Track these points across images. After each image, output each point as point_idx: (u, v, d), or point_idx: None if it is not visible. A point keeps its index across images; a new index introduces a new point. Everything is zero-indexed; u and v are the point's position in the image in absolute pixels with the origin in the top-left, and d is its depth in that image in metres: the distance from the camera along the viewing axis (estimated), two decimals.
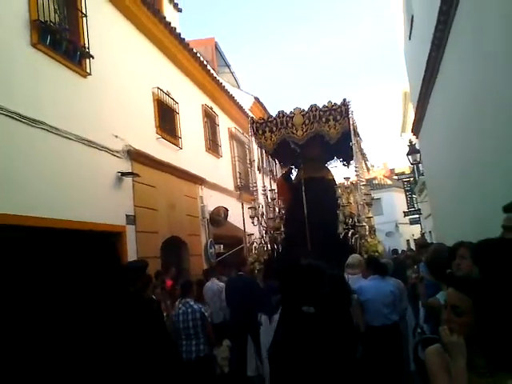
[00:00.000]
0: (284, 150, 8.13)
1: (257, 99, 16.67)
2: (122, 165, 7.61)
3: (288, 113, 7.65)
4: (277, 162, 9.41)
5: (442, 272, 3.31)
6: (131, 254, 7.42)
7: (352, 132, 7.27)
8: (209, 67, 12.10)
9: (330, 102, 7.47)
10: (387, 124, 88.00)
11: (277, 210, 8.45)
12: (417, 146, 14.04)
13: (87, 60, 6.98)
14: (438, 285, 3.55)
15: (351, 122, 7.26)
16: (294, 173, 9.18)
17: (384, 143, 77.15)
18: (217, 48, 16.49)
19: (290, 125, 7.52)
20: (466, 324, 1.79)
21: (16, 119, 5.39)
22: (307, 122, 7.40)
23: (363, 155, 8.41)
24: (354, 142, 7.34)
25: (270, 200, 8.40)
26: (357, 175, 7.59)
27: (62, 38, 6.49)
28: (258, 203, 8.11)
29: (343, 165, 9.44)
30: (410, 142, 14.59)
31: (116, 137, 7.48)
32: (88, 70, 6.96)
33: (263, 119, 8.04)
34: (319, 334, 2.12)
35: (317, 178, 8.01)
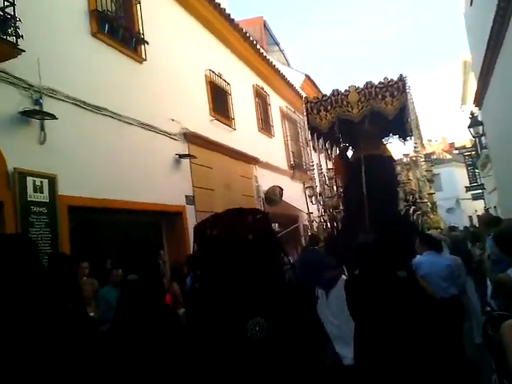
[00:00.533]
0: (339, 128, 8.00)
1: (307, 77, 16.41)
2: (179, 147, 7.83)
3: (343, 91, 7.50)
4: (330, 140, 9.26)
5: None
6: (191, 234, 7.66)
7: (409, 108, 7.07)
8: (258, 46, 12.03)
9: (385, 78, 7.26)
10: (445, 97, 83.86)
11: (335, 188, 8.37)
12: (479, 118, 13.30)
13: (142, 46, 7.16)
14: (508, 261, 3.41)
15: (408, 98, 7.04)
16: (350, 151, 9.04)
17: (442, 116, 73.61)
18: (265, 26, 16.32)
19: (344, 103, 7.37)
20: None
21: (81, 107, 5.68)
22: (363, 99, 7.23)
23: (419, 131, 8.15)
24: (412, 117, 7.13)
25: (327, 179, 8.33)
26: (416, 151, 7.37)
27: (118, 26, 6.71)
28: (315, 182, 8.07)
29: (400, 141, 9.14)
30: (472, 113, 13.83)
31: (172, 120, 7.67)
32: (143, 56, 7.15)
33: (317, 98, 7.90)
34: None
35: (375, 156, 7.83)
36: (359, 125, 7.64)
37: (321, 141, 8.62)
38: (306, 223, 13.21)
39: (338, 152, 9.24)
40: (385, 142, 8.89)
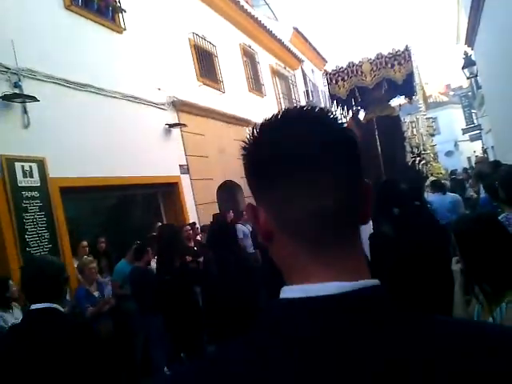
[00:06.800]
0: (353, 94, 9.16)
1: (296, 29, 15.94)
2: (169, 116, 7.74)
3: (357, 62, 8.74)
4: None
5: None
6: (189, 203, 7.73)
7: (415, 73, 8.29)
8: (242, 3, 11.61)
9: (393, 49, 8.55)
10: (441, 35, 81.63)
11: None
12: (473, 58, 12.97)
13: (120, 15, 6.94)
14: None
15: (413, 65, 8.28)
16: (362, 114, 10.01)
17: (438, 57, 71.97)
18: None
19: (359, 72, 8.61)
20: None
21: (63, 85, 5.57)
22: (375, 68, 8.48)
23: (422, 88, 9.56)
24: (417, 81, 8.37)
25: None
26: (420, 110, 8.76)
27: None
28: None
29: (407, 101, 10.21)
30: (466, 53, 13.45)
31: (159, 89, 7.54)
32: (122, 25, 6.94)
33: (335, 70, 9.07)
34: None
35: (384, 117, 8.91)
36: (370, 90, 8.84)
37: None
38: None
39: (350, 115, 10.00)
40: (393, 102, 10.15)
